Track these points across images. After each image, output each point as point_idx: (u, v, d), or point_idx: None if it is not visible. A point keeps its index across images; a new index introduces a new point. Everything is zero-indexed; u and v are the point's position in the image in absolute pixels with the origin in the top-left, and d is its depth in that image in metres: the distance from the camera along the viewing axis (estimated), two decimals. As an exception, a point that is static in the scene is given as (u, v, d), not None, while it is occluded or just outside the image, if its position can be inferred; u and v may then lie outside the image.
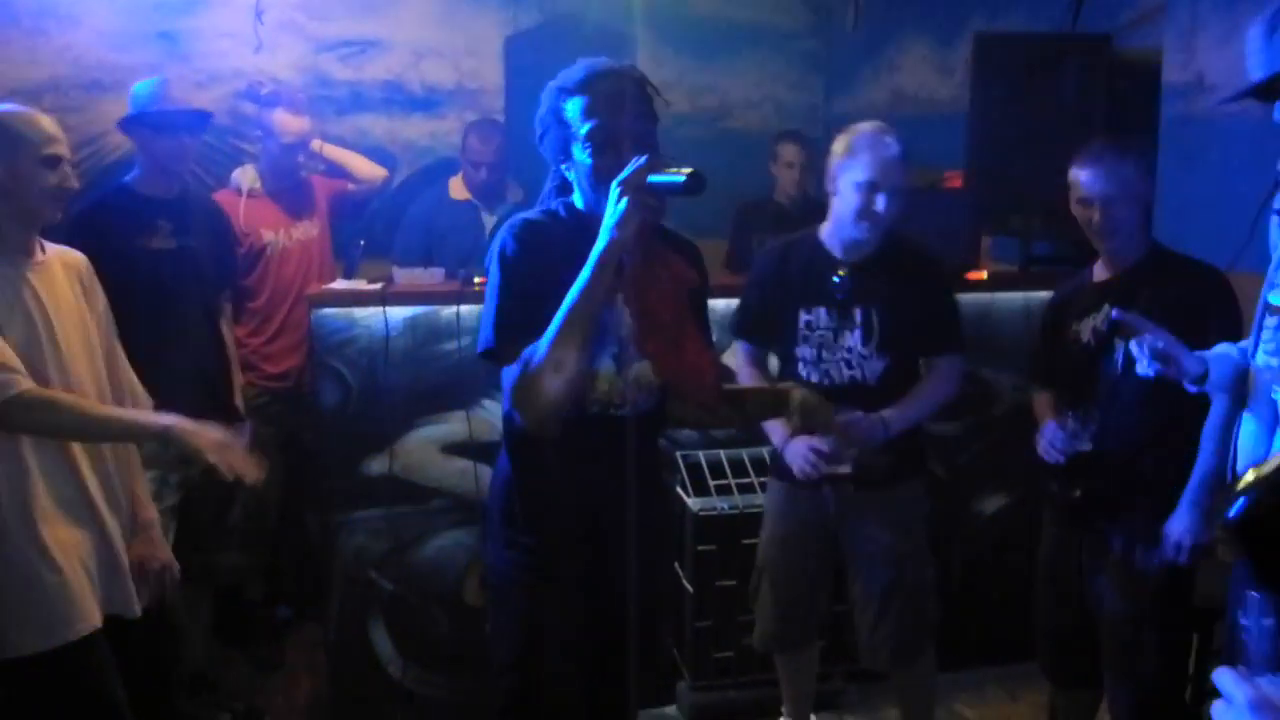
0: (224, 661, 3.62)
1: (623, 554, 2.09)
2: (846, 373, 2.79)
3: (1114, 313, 2.55)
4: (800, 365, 2.83)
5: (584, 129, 1.95)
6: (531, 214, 2.08)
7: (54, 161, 2.30)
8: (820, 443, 2.73)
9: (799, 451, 2.76)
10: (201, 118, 3.35)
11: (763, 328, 2.93)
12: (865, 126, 2.77)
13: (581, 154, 1.97)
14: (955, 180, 4.05)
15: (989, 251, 3.97)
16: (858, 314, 2.78)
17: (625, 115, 1.94)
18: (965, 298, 3.60)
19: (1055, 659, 2.89)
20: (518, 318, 1.94)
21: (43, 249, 2.34)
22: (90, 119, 4.25)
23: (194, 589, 3.35)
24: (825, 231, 2.86)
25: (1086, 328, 2.71)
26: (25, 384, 2.14)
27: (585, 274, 1.87)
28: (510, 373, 1.95)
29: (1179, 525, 2.51)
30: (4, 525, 2.18)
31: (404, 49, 4.72)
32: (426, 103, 4.75)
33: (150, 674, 2.52)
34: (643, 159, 1.84)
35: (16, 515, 2.19)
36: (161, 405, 2.91)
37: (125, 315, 2.82)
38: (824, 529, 2.90)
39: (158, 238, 3.19)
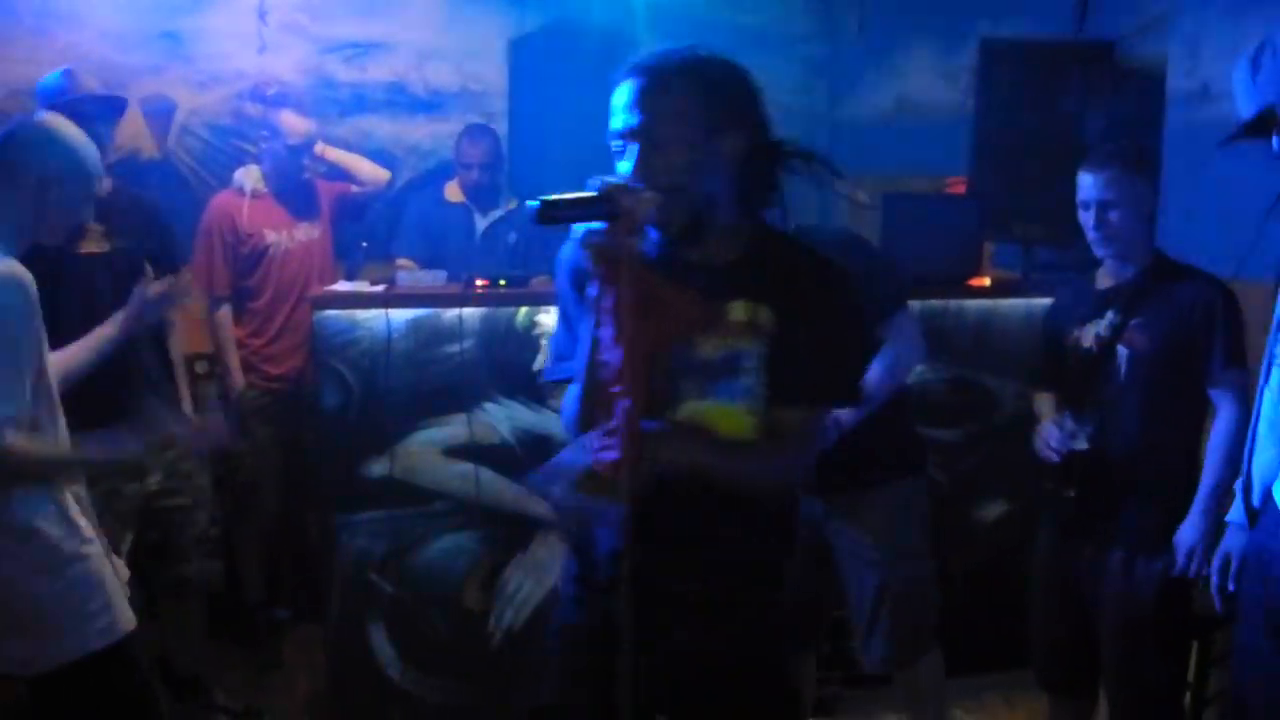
0: (222, 662, 3.61)
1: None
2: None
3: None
4: None
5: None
6: None
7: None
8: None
9: None
10: (116, 104, 3.22)
11: None
12: None
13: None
14: (958, 186, 4.05)
15: (992, 258, 3.97)
16: None
17: (638, 116, 1.71)
18: (968, 304, 3.62)
19: (1050, 667, 2.88)
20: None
21: None
22: (93, 118, 4.24)
23: (172, 600, 3.33)
24: None
25: (1089, 334, 2.70)
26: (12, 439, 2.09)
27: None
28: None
29: (1191, 534, 2.51)
30: (52, 531, 2.20)
31: (407, 51, 4.71)
32: (430, 105, 4.74)
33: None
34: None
35: (58, 517, 2.21)
36: (104, 418, 2.52)
37: (57, 326, 2.53)
38: (814, 532, 2.86)
39: (88, 241, 3.00)
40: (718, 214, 1.76)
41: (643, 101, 1.70)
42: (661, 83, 1.72)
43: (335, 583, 3.27)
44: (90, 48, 4.25)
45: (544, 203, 1.59)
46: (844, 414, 2.57)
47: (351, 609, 3.27)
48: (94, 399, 2.69)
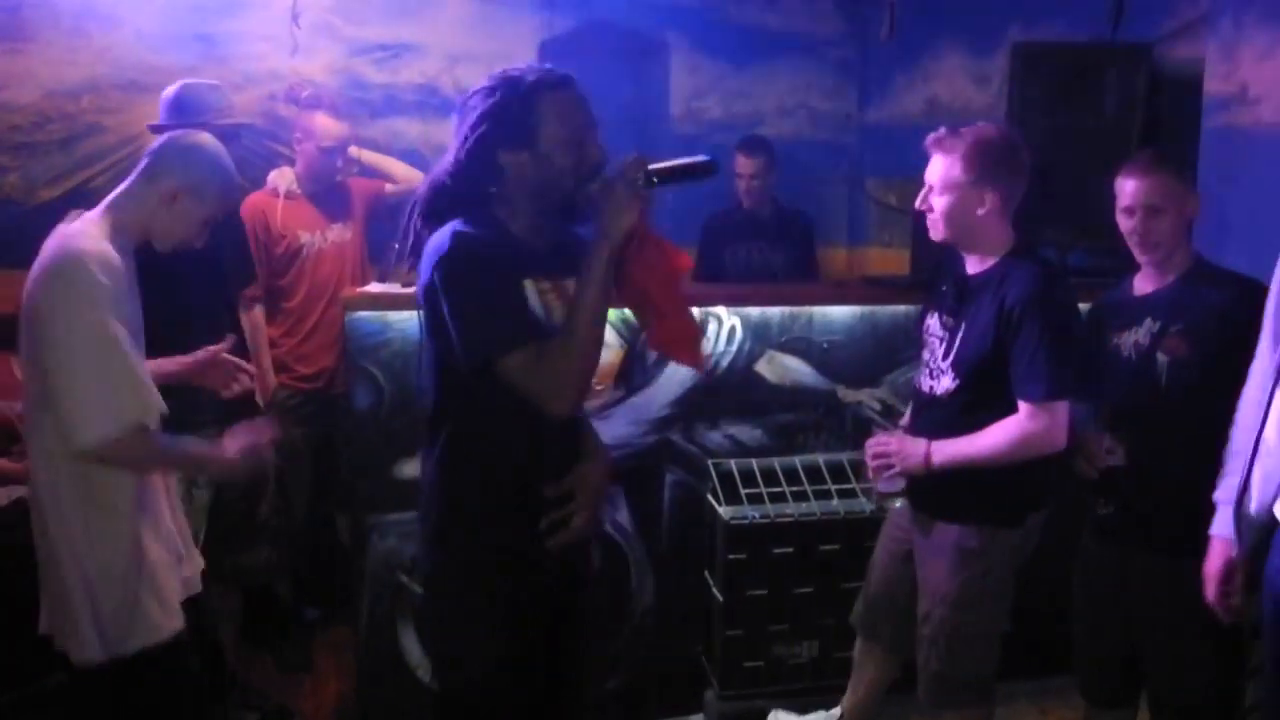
0: (252, 662, 3.63)
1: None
2: (928, 383, 2.73)
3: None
4: (918, 366, 2.84)
5: (576, 124, 2.06)
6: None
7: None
8: (883, 451, 2.71)
9: (869, 453, 2.76)
10: (238, 131, 3.38)
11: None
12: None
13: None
14: (990, 190, 4.02)
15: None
16: (950, 324, 2.68)
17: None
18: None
19: (1092, 677, 2.86)
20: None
21: None
22: (128, 119, 4.27)
23: (224, 588, 3.37)
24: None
25: (1127, 341, 2.68)
26: (146, 420, 2.22)
27: (590, 270, 1.96)
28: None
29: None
30: (115, 525, 2.24)
31: (438, 53, 4.72)
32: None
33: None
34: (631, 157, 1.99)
35: (126, 509, 2.26)
36: (184, 407, 2.86)
37: (153, 317, 2.84)
38: (902, 538, 2.86)
39: None
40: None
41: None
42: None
43: (366, 583, 3.28)
44: (126, 49, 4.29)
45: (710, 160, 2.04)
46: (939, 450, 2.61)
47: (382, 610, 3.28)
48: (186, 390, 2.89)
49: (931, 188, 2.64)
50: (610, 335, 3.26)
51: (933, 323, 2.76)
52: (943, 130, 2.65)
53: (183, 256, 3.04)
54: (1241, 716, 2.82)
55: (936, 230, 2.66)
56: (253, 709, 3.42)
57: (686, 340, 2.20)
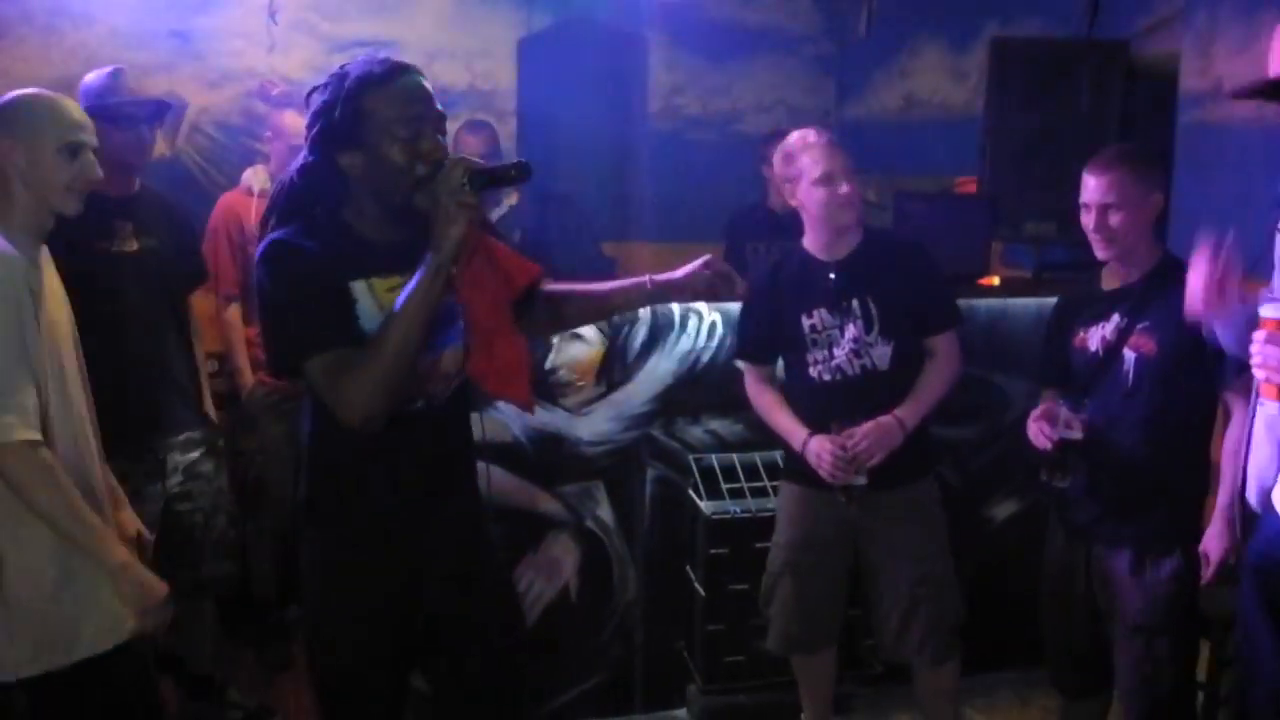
0: (233, 662, 3.61)
1: (435, 552, 2.10)
2: (857, 363, 2.82)
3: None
4: (812, 367, 2.86)
5: (408, 115, 1.92)
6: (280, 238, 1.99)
7: (74, 150, 2.21)
8: (841, 445, 2.74)
9: (821, 454, 2.76)
10: (161, 107, 3.17)
11: (765, 343, 2.98)
12: (793, 134, 2.92)
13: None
14: (968, 185, 4.05)
15: (1001, 257, 3.97)
16: (855, 306, 2.82)
17: (429, 108, 1.95)
18: (977, 303, 3.61)
19: (1063, 668, 2.88)
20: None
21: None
22: (103, 117, 4.25)
23: (188, 603, 3.32)
24: (808, 241, 2.95)
25: (1094, 336, 2.69)
26: (31, 435, 2.03)
27: (414, 281, 1.85)
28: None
29: (1219, 544, 2.48)
30: (40, 531, 2.12)
31: (417, 50, 4.70)
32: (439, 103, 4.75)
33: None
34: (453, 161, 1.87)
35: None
36: (130, 418, 2.86)
37: (87, 323, 2.59)
38: (842, 531, 2.90)
39: (118, 240, 2.99)
40: None
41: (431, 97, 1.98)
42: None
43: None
44: (100, 46, 4.27)
45: (521, 163, 1.90)
46: (908, 415, 2.79)
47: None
48: (125, 401, 2.81)
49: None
50: (590, 331, 3.26)
51: (817, 320, 2.85)
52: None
53: (116, 259, 2.97)
54: (1216, 704, 2.86)
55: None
56: (235, 708, 3.40)
57: (510, 372, 2.02)
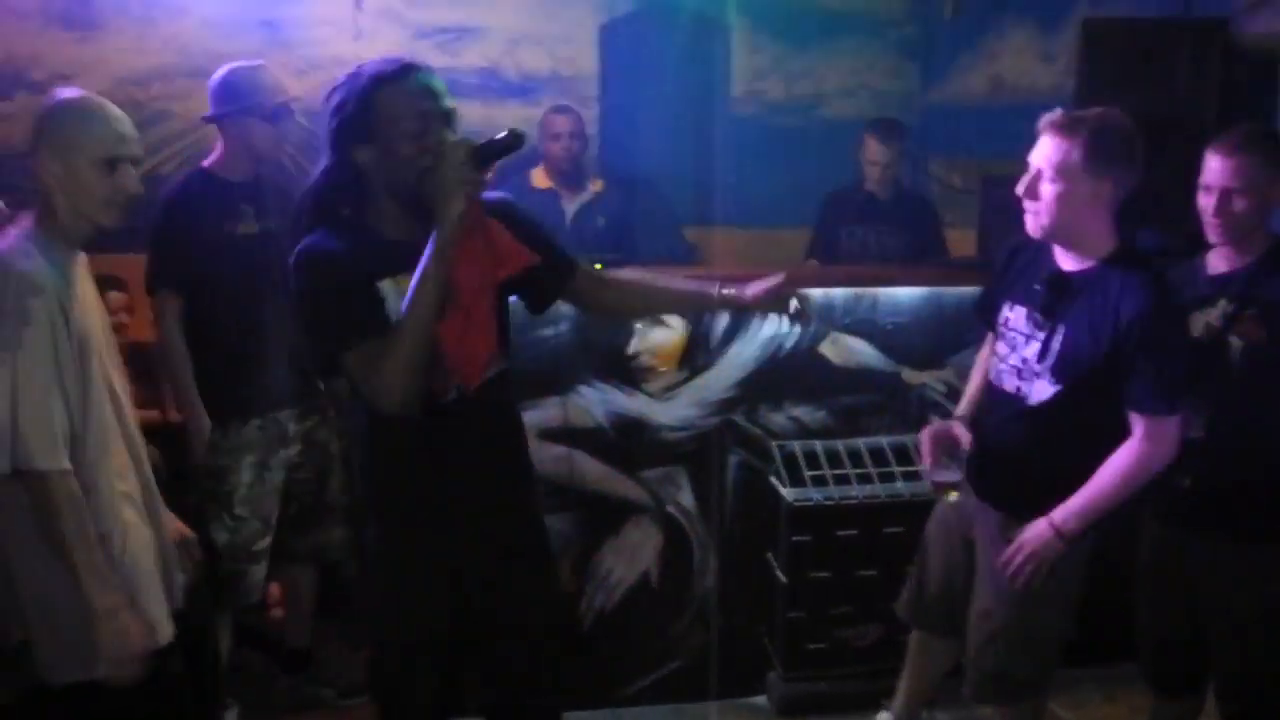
0: (323, 638, 3.68)
1: (477, 542, 2.16)
2: (1014, 383, 2.54)
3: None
4: (995, 358, 2.65)
5: (416, 111, 2.00)
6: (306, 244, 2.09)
7: (113, 164, 2.18)
8: (949, 436, 2.64)
9: (922, 439, 2.68)
10: (289, 108, 3.28)
11: (987, 309, 2.74)
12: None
13: None
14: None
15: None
16: (1048, 326, 2.48)
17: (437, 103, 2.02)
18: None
19: (1158, 665, 2.82)
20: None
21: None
22: (195, 105, 4.29)
23: (300, 569, 3.42)
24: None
25: (1199, 322, 2.60)
26: (62, 465, 2.07)
27: (422, 262, 1.93)
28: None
29: None
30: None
31: (500, 36, 4.74)
32: (522, 89, 4.77)
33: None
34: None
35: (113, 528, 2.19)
36: (253, 394, 3.15)
37: (214, 301, 3.05)
38: (963, 525, 2.74)
39: (243, 222, 3.15)
40: None
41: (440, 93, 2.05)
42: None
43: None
44: (193, 36, 4.36)
45: (513, 130, 1.96)
46: (1068, 521, 2.42)
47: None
48: (249, 374, 3.11)
49: (1040, 173, 2.40)
50: (673, 316, 3.26)
51: (1014, 316, 2.56)
52: (1059, 111, 2.43)
53: (239, 240, 3.11)
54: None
55: (1039, 221, 2.43)
56: (328, 685, 3.46)
57: (468, 352, 2.05)
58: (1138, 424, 2.37)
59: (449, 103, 2.03)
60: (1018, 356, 2.53)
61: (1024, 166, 2.49)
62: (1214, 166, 2.52)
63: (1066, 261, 2.49)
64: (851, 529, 3.24)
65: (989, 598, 2.60)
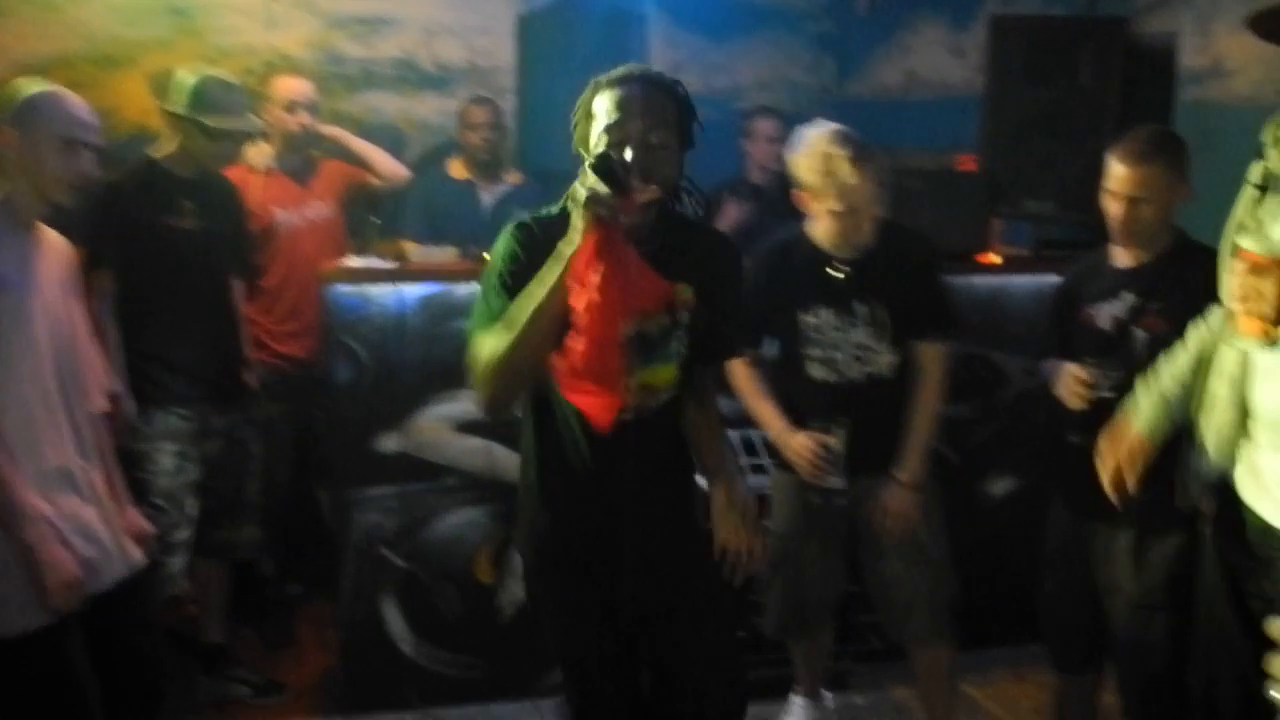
0: (238, 638, 3.63)
1: (639, 563, 2.11)
2: (862, 370, 2.83)
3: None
4: (808, 364, 2.85)
5: (604, 125, 1.97)
6: (540, 213, 2.09)
7: (72, 145, 2.30)
8: (823, 445, 2.75)
9: (802, 452, 2.79)
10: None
11: (758, 329, 2.93)
12: (819, 132, 2.82)
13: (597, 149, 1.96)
14: (968, 163, 4.05)
15: (1001, 235, 3.97)
16: (863, 309, 2.80)
17: (641, 119, 1.95)
18: (976, 281, 3.62)
19: (1062, 645, 2.90)
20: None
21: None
22: (100, 94, 4.20)
23: (213, 564, 3.38)
24: (817, 230, 2.86)
25: (1104, 314, 2.67)
26: None
27: (546, 271, 1.90)
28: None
29: None
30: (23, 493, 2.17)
31: (416, 26, 4.69)
32: (438, 81, 4.72)
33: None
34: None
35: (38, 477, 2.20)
36: (178, 384, 3.17)
37: (145, 292, 3.10)
38: (837, 517, 2.92)
39: (182, 217, 3.19)
40: (660, 210, 2.03)
41: (644, 105, 1.97)
42: (658, 91, 2.01)
43: (348, 558, 3.29)
44: (99, 22, 4.25)
45: (602, 156, 1.86)
46: (914, 469, 2.83)
47: (364, 584, 3.29)
48: (174, 368, 3.14)
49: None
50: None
51: (819, 319, 2.83)
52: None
53: (176, 233, 3.15)
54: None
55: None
56: (244, 683, 3.42)
57: (587, 381, 1.97)
58: (930, 354, 2.85)
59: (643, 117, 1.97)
60: (850, 345, 2.81)
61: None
62: (1119, 175, 2.57)
63: (844, 249, 2.82)
64: (766, 517, 3.27)
65: (910, 549, 2.88)
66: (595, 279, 1.85)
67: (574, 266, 1.86)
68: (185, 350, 3.18)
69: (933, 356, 2.87)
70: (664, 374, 2.08)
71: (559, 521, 2.16)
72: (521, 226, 2.04)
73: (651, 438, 2.09)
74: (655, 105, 1.97)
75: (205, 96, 3.16)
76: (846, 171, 2.69)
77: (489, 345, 1.94)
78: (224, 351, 3.34)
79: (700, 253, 2.12)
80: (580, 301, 1.87)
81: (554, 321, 1.90)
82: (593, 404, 1.99)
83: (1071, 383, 2.63)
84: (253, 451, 3.37)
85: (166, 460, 3.13)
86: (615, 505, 2.09)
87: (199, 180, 3.25)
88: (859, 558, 3.01)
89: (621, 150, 1.93)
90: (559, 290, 1.88)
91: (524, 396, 2.13)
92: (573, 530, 2.15)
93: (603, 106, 1.98)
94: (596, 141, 1.97)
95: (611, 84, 1.99)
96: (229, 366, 3.33)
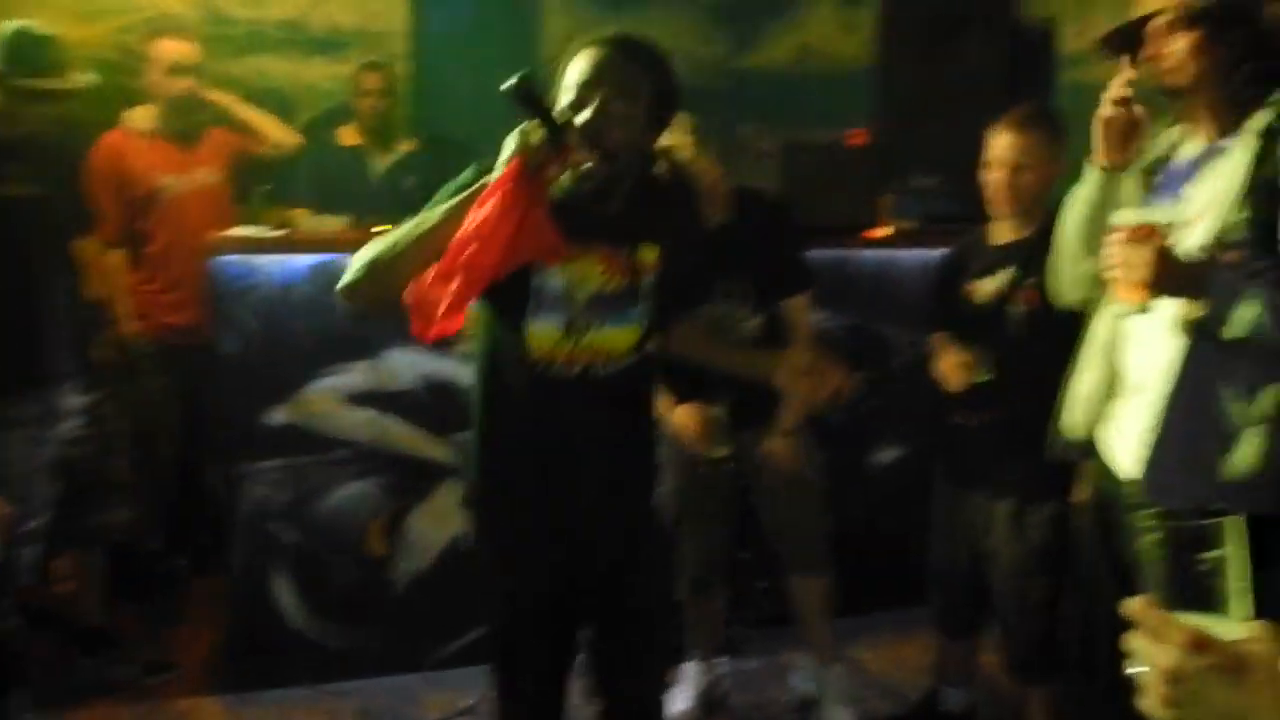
0: (122, 616, 3.54)
1: (588, 516, 2.08)
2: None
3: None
4: None
5: (566, 85, 1.92)
6: None
7: None
8: (706, 416, 2.82)
9: (687, 425, 2.85)
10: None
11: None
12: None
13: None
14: (858, 137, 4.10)
15: (891, 209, 4.04)
16: (722, 284, 2.89)
17: (608, 86, 1.89)
18: (866, 254, 3.69)
19: (946, 610, 3.00)
20: None
21: None
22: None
23: (84, 549, 3.28)
24: None
25: (983, 289, 2.75)
26: None
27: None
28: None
29: None
30: None
31: (306, -13, 4.59)
32: (328, 44, 4.62)
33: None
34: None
35: None
36: (24, 361, 2.96)
37: None
38: (726, 482, 3.01)
39: (7, 184, 2.97)
40: (624, 175, 1.97)
41: (610, 73, 1.90)
42: (630, 61, 1.93)
43: (236, 533, 3.23)
44: (-34, -24, 4.05)
45: (524, 79, 1.77)
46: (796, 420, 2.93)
47: (253, 559, 3.24)
48: (4, 346, 2.89)
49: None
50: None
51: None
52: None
53: (9, 204, 2.94)
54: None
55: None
56: (133, 663, 3.34)
57: (426, 302, 1.90)
58: (797, 310, 2.96)
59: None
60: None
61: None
62: (1001, 143, 2.66)
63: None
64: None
65: (790, 492, 3.03)
66: (482, 212, 1.80)
67: (481, 194, 1.83)
68: (28, 328, 2.96)
69: (797, 307, 2.97)
70: (618, 337, 2.00)
71: (501, 472, 2.09)
72: (485, 164, 1.94)
73: (599, 402, 2.01)
74: (625, 74, 1.91)
75: (17, 53, 2.96)
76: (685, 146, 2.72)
77: (381, 239, 1.90)
78: (63, 326, 3.13)
79: (666, 209, 2.13)
80: (467, 229, 1.82)
81: (442, 239, 1.83)
82: (415, 315, 1.93)
83: (950, 365, 2.70)
84: (116, 429, 3.23)
85: (15, 448, 2.98)
86: (555, 465, 2.04)
87: (26, 142, 3.01)
88: (753, 507, 3.09)
89: (577, 113, 1.87)
90: (459, 211, 1.84)
91: (476, 344, 2.07)
92: (513, 483, 2.08)
93: (575, 68, 1.92)
94: (558, 102, 1.90)
95: (588, 46, 1.93)
96: (70, 343, 3.14)
